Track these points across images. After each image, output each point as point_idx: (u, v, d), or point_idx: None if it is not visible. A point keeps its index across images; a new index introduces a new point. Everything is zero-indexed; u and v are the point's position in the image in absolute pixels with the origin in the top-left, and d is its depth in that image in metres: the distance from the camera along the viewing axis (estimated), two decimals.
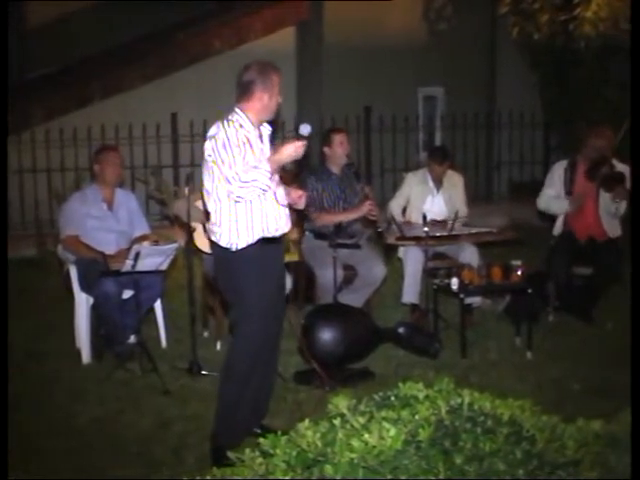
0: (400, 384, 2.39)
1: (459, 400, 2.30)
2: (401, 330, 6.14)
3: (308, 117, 10.87)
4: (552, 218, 7.23)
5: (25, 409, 5.05)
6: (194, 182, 5.80)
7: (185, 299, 6.20)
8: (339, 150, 6.52)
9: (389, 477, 2.07)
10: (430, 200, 7.01)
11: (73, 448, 4.62)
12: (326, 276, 6.09)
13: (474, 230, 6.84)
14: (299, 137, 4.45)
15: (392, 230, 6.69)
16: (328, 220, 6.48)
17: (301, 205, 4.70)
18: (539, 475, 2.12)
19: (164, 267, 5.78)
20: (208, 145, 4.39)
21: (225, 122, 4.38)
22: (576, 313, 6.83)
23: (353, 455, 2.08)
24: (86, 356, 6.01)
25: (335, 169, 6.61)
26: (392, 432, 2.11)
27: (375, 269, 6.38)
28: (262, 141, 4.53)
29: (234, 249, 4.39)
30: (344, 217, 6.43)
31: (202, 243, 5.85)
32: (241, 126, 4.38)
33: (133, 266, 5.56)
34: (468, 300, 6.45)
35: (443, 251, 6.89)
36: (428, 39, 12.22)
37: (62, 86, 11.03)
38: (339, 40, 11.47)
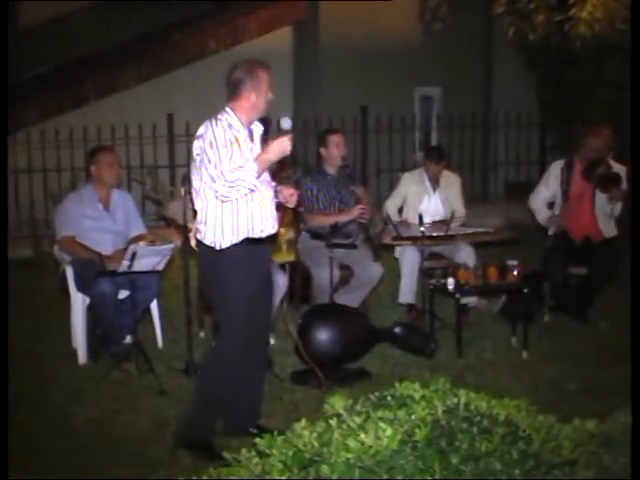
0: (396, 384, 2.39)
1: (455, 400, 2.30)
2: (397, 330, 6.14)
3: (305, 117, 10.88)
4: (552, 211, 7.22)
5: (21, 409, 5.04)
6: (190, 182, 5.79)
7: (181, 299, 6.20)
8: (335, 151, 6.52)
9: (385, 477, 2.07)
10: (427, 200, 7.01)
11: (70, 448, 4.62)
12: (322, 276, 6.09)
13: (470, 230, 6.84)
14: (282, 132, 4.43)
15: (388, 230, 6.70)
16: (319, 221, 6.51)
17: (292, 203, 4.67)
18: (535, 475, 2.12)
19: (160, 267, 5.77)
20: (196, 144, 4.40)
21: (213, 121, 4.38)
22: (572, 313, 6.84)
23: (349, 455, 2.08)
24: (82, 356, 6.00)
25: (331, 170, 6.61)
26: (388, 432, 2.11)
27: (371, 269, 6.39)
28: (253, 140, 4.52)
29: (218, 248, 4.40)
30: (335, 219, 6.43)
31: None
32: (230, 126, 4.38)
33: (129, 266, 5.55)
34: (464, 300, 6.46)
35: (439, 251, 6.90)
36: (424, 39, 12.23)
37: (58, 86, 11.02)
38: (336, 40, 11.48)
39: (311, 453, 2.15)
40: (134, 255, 5.51)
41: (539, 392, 5.20)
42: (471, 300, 6.80)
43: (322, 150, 6.66)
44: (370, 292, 6.63)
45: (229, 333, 4.51)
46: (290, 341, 5.92)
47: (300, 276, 6.61)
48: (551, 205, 7.13)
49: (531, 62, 11.77)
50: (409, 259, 6.63)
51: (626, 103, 10.03)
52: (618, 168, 6.85)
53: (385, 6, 11.54)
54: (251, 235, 4.42)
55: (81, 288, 5.99)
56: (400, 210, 7.08)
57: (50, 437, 4.76)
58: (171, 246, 5.74)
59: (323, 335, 5.60)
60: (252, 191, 4.34)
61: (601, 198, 6.86)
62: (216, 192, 4.30)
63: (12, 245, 8.09)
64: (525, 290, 6.21)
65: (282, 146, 4.35)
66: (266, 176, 4.51)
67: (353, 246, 6.33)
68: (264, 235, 4.50)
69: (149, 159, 9.99)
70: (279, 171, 4.66)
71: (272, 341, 6.23)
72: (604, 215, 6.92)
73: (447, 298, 6.46)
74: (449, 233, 6.51)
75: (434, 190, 7.04)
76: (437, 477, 2.07)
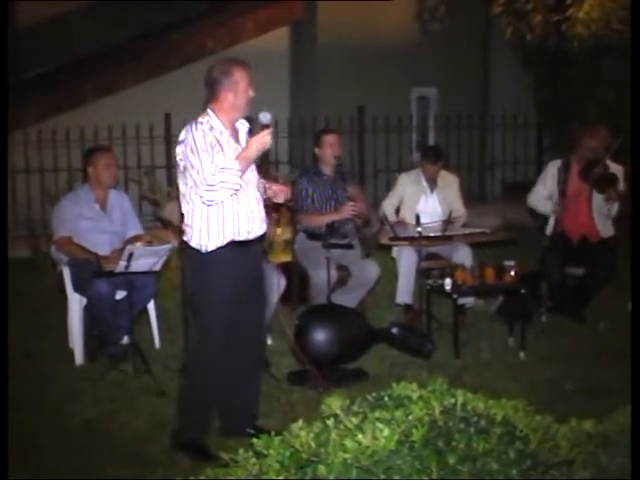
0: (393, 384, 2.39)
1: (452, 400, 2.30)
2: (394, 330, 6.14)
3: (302, 117, 10.89)
4: (544, 218, 7.24)
5: (19, 409, 5.03)
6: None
7: (178, 300, 6.19)
8: (329, 151, 6.51)
9: (382, 477, 2.07)
10: (424, 200, 7.01)
11: (67, 448, 4.61)
12: (319, 276, 6.09)
13: (467, 230, 6.85)
14: (262, 126, 4.39)
15: (385, 230, 6.70)
16: (311, 221, 6.52)
17: (281, 199, 4.65)
18: (532, 475, 2.12)
19: (157, 268, 5.77)
20: (179, 150, 4.39)
21: (194, 125, 4.36)
22: (569, 313, 6.84)
23: (346, 455, 2.08)
24: (79, 357, 6.00)
25: (327, 170, 6.61)
26: (385, 432, 2.11)
27: (369, 269, 6.39)
28: (238, 139, 4.50)
29: (204, 250, 4.40)
30: (327, 219, 6.43)
31: None
32: (211, 128, 4.36)
33: (126, 267, 5.55)
34: (461, 300, 6.46)
35: (437, 251, 6.90)
36: (422, 39, 12.24)
37: (55, 86, 11.02)
38: (333, 40, 11.48)
39: (308, 453, 2.15)
40: (131, 255, 5.50)
41: (536, 392, 5.20)
42: (468, 300, 6.80)
43: (317, 150, 6.66)
44: (367, 292, 6.63)
45: (210, 334, 4.52)
46: (287, 342, 5.92)
47: (297, 277, 6.60)
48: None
49: (528, 62, 11.78)
50: (406, 259, 6.63)
51: (623, 103, 10.06)
52: (615, 168, 6.86)
53: (382, 6, 11.54)
54: (237, 237, 4.41)
55: (78, 288, 5.98)
56: (397, 210, 7.08)
57: (47, 437, 4.75)
58: (168, 246, 5.74)
59: (320, 335, 5.59)
60: (237, 191, 4.33)
61: (598, 198, 6.87)
62: (201, 197, 4.30)
63: (9, 245, 8.07)
64: (522, 290, 6.22)
65: (262, 141, 4.33)
66: (253, 175, 4.49)
67: (350, 246, 6.33)
68: (251, 237, 4.48)
69: (146, 159, 9.99)
70: (261, 166, 4.60)
71: (269, 341, 6.23)
72: (601, 215, 6.93)
73: (444, 298, 6.46)
74: (446, 233, 6.52)
75: (431, 190, 7.04)
76: (434, 477, 2.08)
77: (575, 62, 10.99)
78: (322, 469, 2.08)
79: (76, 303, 6.04)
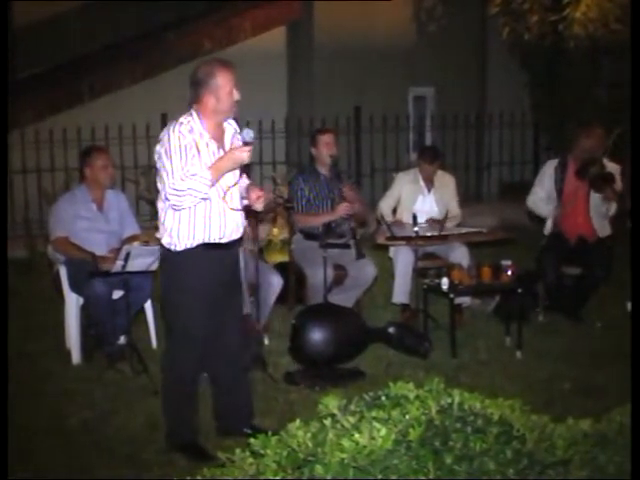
0: (390, 384, 2.39)
1: (449, 400, 2.31)
2: (391, 330, 6.15)
3: (299, 117, 10.88)
4: (542, 218, 7.25)
5: (15, 409, 5.02)
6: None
7: None
8: (325, 150, 6.51)
9: (379, 477, 2.07)
10: (421, 200, 7.02)
11: (64, 448, 4.61)
12: (316, 276, 6.09)
13: (464, 230, 6.86)
14: (244, 143, 4.32)
15: (382, 230, 6.70)
16: (305, 221, 6.54)
17: (259, 207, 4.56)
18: (529, 474, 2.12)
19: (154, 268, 5.75)
20: (156, 149, 4.38)
21: (173, 126, 4.32)
22: (566, 313, 6.85)
23: (344, 455, 2.09)
24: (76, 357, 6.00)
25: (323, 170, 6.62)
26: (382, 432, 2.12)
27: (365, 269, 6.39)
28: (223, 140, 4.43)
29: (173, 249, 4.39)
30: (320, 219, 6.44)
31: None
32: (190, 130, 4.31)
33: (123, 267, 5.55)
34: (458, 300, 6.46)
35: (433, 251, 6.90)
36: (418, 39, 12.24)
37: (52, 86, 11.01)
38: (330, 40, 11.48)
39: (305, 453, 2.15)
40: (128, 255, 5.50)
41: (533, 392, 5.20)
42: (465, 300, 6.81)
43: (313, 150, 6.67)
44: (364, 292, 6.63)
45: (178, 334, 4.54)
46: (284, 342, 5.93)
47: (294, 276, 6.61)
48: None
49: (525, 62, 11.78)
50: (403, 259, 6.63)
51: (620, 103, 10.08)
52: (612, 167, 6.86)
53: (380, 6, 11.54)
54: (208, 241, 4.38)
55: (75, 288, 5.98)
56: (394, 210, 7.09)
57: (44, 437, 4.75)
58: None
59: (317, 335, 5.60)
60: (204, 199, 4.28)
61: (595, 198, 6.87)
62: (168, 200, 4.28)
63: None
64: (519, 290, 6.22)
65: (240, 157, 4.27)
66: (233, 180, 4.40)
67: (347, 246, 6.33)
68: (224, 241, 4.44)
69: (143, 159, 9.97)
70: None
71: (266, 341, 6.24)
72: (598, 215, 6.93)
73: (441, 298, 6.46)
74: (443, 233, 6.52)
75: (428, 190, 7.05)
76: (431, 477, 2.08)
77: (572, 62, 10.98)
78: (319, 469, 2.08)
79: (73, 303, 6.04)
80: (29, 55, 11.62)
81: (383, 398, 2.37)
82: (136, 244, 5.99)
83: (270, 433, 2.23)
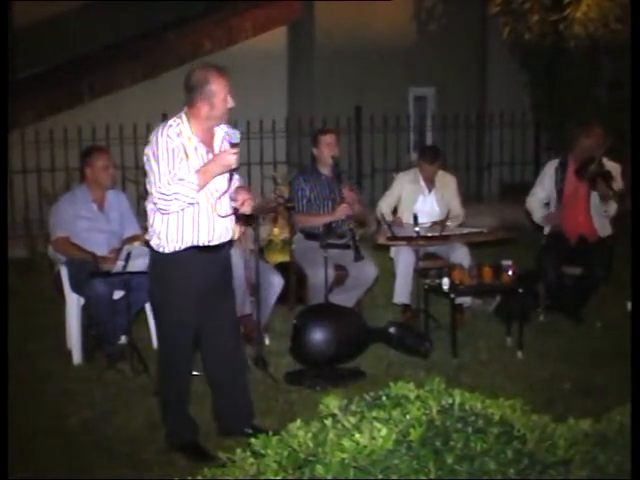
0: (391, 384, 2.39)
1: (450, 400, 2.30)
2: (392, 330, 6.15)
3: (299, 117, 10.88)
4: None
5: (15, 409, 5.02)
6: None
7: None
8: (326, 151, 6.52)
9: (380, 477, 2.07)
10: (421, 200, 7.01)
11: (64, 448, 4.61)
12: (317, 276, 6.09)
13: (465, 230, 6.85)
14: (231, 145, 4.30)
15: (383, 230, 6.69)
16: (305, 222, 6.54)
17: (247, 210, 4.49)
18: (530, 474, 2.12)
19: None
20: (145, 151, 4.35)
21: (161, 128, 4.29)
22: (566, 313, 6.84)
23: (344, 455, 2.08)
24: (77, 357, 6.00)
25: (324, 170, 6.62)
26: (383, 432, 2.11)
27: (366, 269, 6.39)
28: (212, 144, 4.40)
29: (161, 251, 4.38)
30: (320, 220, 6.44)
31: None
32: (179, 133, 4.27)
33: (124, 267, 5.55)
34: (459, 300, 6.46)
35: (434, 251, 6.90)
36: (419, 39, 12.24)
37: (52, 86, 11.01)
38: (331, 40, 11.48)
39: (306, 453, 2.15)
40: (129, 255, 5.50)
41: (534, 392, 5.20)
42: (466, 300, 6.81)
43: (314, 150, 6.67)
44: (365, 292, 6.63)
45: (165, 335, 4.58)
46: (285, 342, 5.92)
47: (295, 276, 6.61)
48: (547, 205, 7.14)
49: (526, 62, 11.78)
50: (404, 259, 6.63)
51: (620, 103, 10.08)
52: (611, 166, 6.85)
53: (380, 6, 11.55)
54: (197, 244, 4.37)
55: (76, 288, 5.98)
56: (395, 210, 7.08)
57: (44, 437, 4.75)
58: None
59: (318, 335, 5.60)
60: (191, 204, 4.26)
61: (596, 197, 6.87)
62: (155, 204, 4.27)
63: None
64: (520, 290, 6.22)
65: (227, 160, 4.24)
66: (224, 183, 4.37)
67: (347, 246, 6.33)
68: (213, 244, 4.43)
69: (143, 159, 9.97)
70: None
71: (267, 342, 6.24)
72: (599, 215, 6.93)
73: (442, 298, 6.47)
74: (443, 233, 6.52)
75: (429, 190, 7.04)
76: (432, 477, 2.08)
77: (573, 62, 10.99)
78: (320, 469, 2.08)
79: (74, 303, 6.04)
80: (29, 55, 11.62)
81: (384, 398, 2.37)
82: (137, 244, 5.98)
83: (271, 433, 2.23)
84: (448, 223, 6.75)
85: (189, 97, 4.33)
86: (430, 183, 7.04)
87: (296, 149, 10.78)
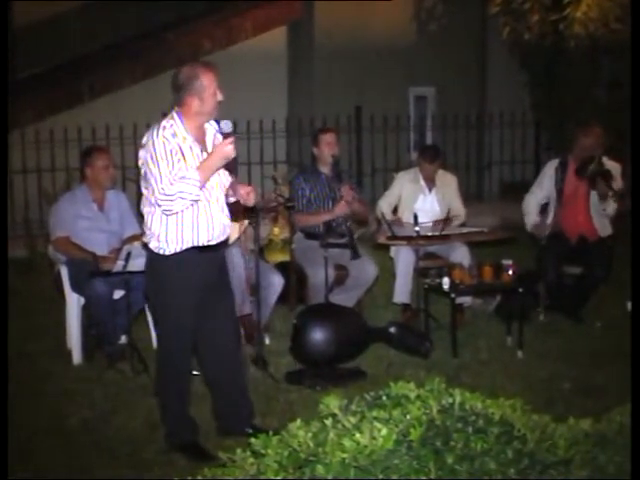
0: (391, 384, 2.39)
1: (450, 400, 2.30)
2: (392, 330, 6.14)
3: (299, 117, 10.88)
4: (541, 218, 7.23)
5: (15, 409, 5.02)
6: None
7: None
8: (326, 150, 6.52)
9: (380, 477, 2.07)
10: (422, 199, 7.01)
11: (64, 448, 4.61)
12: (317, 276, 6.09)
13: (465, 230, 6.85)
14: (224, 135, 4.31)
15: (383, 230, 6.69)
16: (304, 221, 6.54)
17: (250, 202, 4.55)
18: (530, 474, 2.12)
19: None
20: (140, 154, 4.35)
21: (156, 130, 4.29)
22: (566, 312, 6.84)
23: (344, 455, 2.08)
24: (77, 357, 5.99)
25: (324, 169, 6.62)
26: (383, 432, 2.11)
27: (366, 269, 6.39)
28: (204, 142, 4.41)
29: (162, 254, 4.37)
30: (319, 219, 6.45)
31: None
32: (174, 135, 4.27)
33: (124, 266, 5.55)
34: (459, 300, 6.46)
35: (434, 251, 6.90)
36: (419, 39, 12.24)
37: (52, 86, 11.01)
38: (330, 40, 11.49)
39: (306, 453, 2.15)
40: (129, 255, 5.50)
41: (534, 391, 5.20)
42: (466, 300, 6.80)
43: (314, 150, 6.67)
44: (365, 292, 6.63)
45: (165, 336, 4.57)
46: (285, 341, 5.92)
47: (295, 276, 6.61)
48: (545, 206, 7.13)
49: (525, 62, 11.79)
50: (404, 259, 6.63)
51: (620, 103, 10.08)
52: (611, 166, 6.85)
53: (380, 6, 11.55)
54: (197, 244, 4.37)
55: (76, 288, 5.98)
56: (395, 210, 7.08)
57: (44, 437, 4.75)
58: None
59: (318, 335, 5.59)
60: (195, 202, 4.27)
61: (595, 197, 6.86)
62: (159, 206, 4.26)
63: None
64: (520, 289, 6.22)
65: (224, 151, 4.25)
66: (219, 180, 4.40)
67: (347, 246, 6.32)
68: (212, 243, 4.43)
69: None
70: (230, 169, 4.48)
71: (267, 341, 6.24)
72: (599, 214, 6.92)
73: (442, 298, 6.46)
74: (444, 233, 6.51)
75: (429, 190, 7.04)
76: (432, 477, 2.08)
77: (572, 62, 11.00)
78: (320, 469, 2.08)
79: (74, 303, 6.04)
80: (29, 55, 11.62)
81: (384, 398, 2.36)
82: (137, 244, 5.97)
83: (271, 433, 2.23)
84: (454, 221, 6.75)
85: (178, 96, 4.34)
86: (430, 182, 7.04)
87: (296, 149, 10.78)
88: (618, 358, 5.62)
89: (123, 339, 5.90)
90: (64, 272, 6.04)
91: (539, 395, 5.08)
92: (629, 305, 6.51)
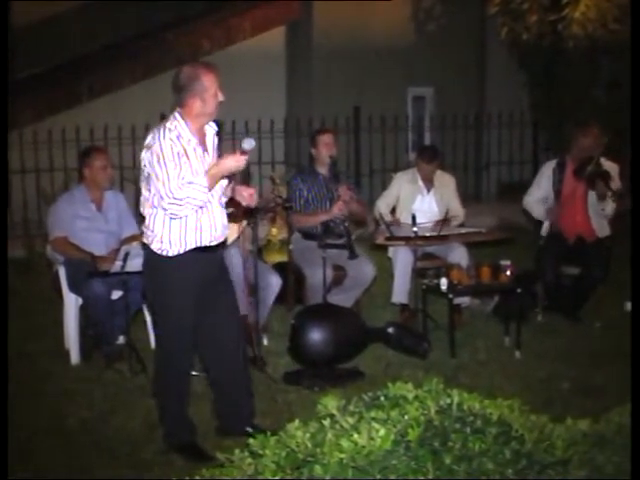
0: (389, 384, 2.39)
1: (448, 400, 2.30)
2: (390, 330, 6.15)
3: (298, 117, 10.88)
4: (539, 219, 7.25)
5: (13, 409, 5.02)
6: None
7: None
8: (324, 151, 6.52)
9: (378, 477, 2.07)
10: (420, 200, 7.01)
11: (62, 448, 4.61)
12: (315, 276, 6.09)
13: (463, 230, 6.85)
14: (242, 151, 4.32)
15: (381, 230, 6.69)
16: (301, 221, 6.54)
17: (253, 203, 4.55)
18: (528, 474, 2.12)
19: None
20: (144, 156, 4.31)
21: (161, 131, 4.27)
22: (564, 313, 6.85)
23: (342, 455, 2.08)
24: (75, 357, 5.99)
25: (322, 170, 6.62)
26: (381, 432, 2.12)
27: (365, 269, 6.39)
28: (205, 144, 4.41)
29: (164, 255, 4.36)
30: (316, 219, 6.45)
31: None
32: (179, 136, 4.26)
33: (122, 267, 5.55)
34: (457, 300, 6.46)
35: (432, 251, 6.90)
36: (417, 39, 12.24)
37: (51, 86, 11.01)
38: (329, 40, 11.49)
39: (304, 453, 2.15)
40: (127, 255, 5.50)
41: (532, 392, 5.20)
42: (464, 300, 6.81)
43: (312, 150, 6.68)
44: (363, 292, 6.63)
45: (165, 337, 4.57)
46: (283, 342, 5.92)
47: (293, 276, 6.61)
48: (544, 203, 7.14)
49: (524, 62, 11.79)
50: (402, 259, 6.63)
51: (618, 103, 10.09)
52: (609, 166, 6.86)
53: (378, 6, 11.55)
54: (200, 245, 4.37)
55: (74, 289, 5.98)
56: (393, 210, 7.08)
57: (43, 437, 4.75)
58: None
59: (316, 335, 5.60)
60: (202, 207, 4.28)
61: (594, 197, 6.87)
62: (165, 210, 4.24)
63: None
64: (518, 290, 6.22)
65: (237, 164, 4.26)
66: (219, 182, 4.41)
67: (345, 246, 6.32)
68: (213, 244, 4.44)
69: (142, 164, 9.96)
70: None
71: (265, 342, 6.24)
72: (597, 215, 6.93)
73: (440, 298, 6.46)
74: (442, 233, 6.51)
75: (428, 190, 7.04)
76: (430, 477, 2.08)
77: (571, 62, 11.00)
78: (318, 469, 2.08)
79: (72, 303, 6.04)
80: (28, 55, 11.61)
81: (382, 398, 2.37)
82: (135, 244, 5.98)
83: (269, 433, 2.23)
84: (454, 222, 6.75)
85: (179, 97, 4.33)
86: (429, 183, 7.04)
87: (294, 149, 10.78)
88: (616, 358, 5.63)
89: (121, 339, 5.90)
90: (62, 272, 6.04)
91: (537, 395, 5.08)
92: (627, 305, 6.53)
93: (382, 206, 7.01)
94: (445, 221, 6.58)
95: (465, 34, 12.36)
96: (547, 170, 7.12)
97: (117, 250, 5.71)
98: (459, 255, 6.65)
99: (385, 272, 6.98)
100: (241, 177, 4.47)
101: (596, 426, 2.32)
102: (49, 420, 5.01)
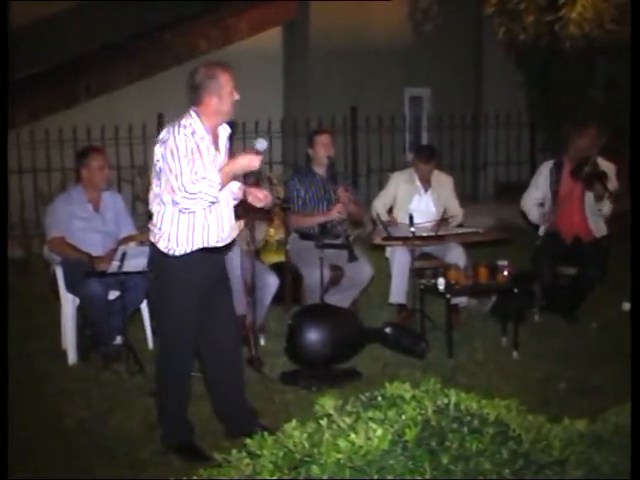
0: (387, 384, 2.40)
1: (445, 400, 2.31)
2: (388, 330, 6.15)
3: (295, 117, 10.88)
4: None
5: (12, 409, 5.01)
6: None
7: None
8: (322, 151, 6.52)
9: (376, 477, 2.07)
10: (417, 200, 7.01)
11: (60, 448, 4.61)
12: (313, 277, 6.09)
13: (460, 230, 6.85)
14: (256, 152, 4.35)
15: (378, 230, 6.69)
16: (299, 222, 6.54)
17: (268, 204, 4.62)
18: (525, 474, 2.13)
19: None
20: (157, 150, 4.33)
21: (176, 127, 4.29)
22: (562, 313, 6.85)
23: (340, 455, 2.09)
24: (72, 357, 5.99)
25: (319, 170, 6.62)
26: (379, 432, 2.12)
27: (362, 269, 6.39)
28: (218, 144, 4.44)
29: (171, 254, 4.37)
30: (314, 220, 6.46)
31: None
32: (193, 133, 4.29)
33: (119, 267, 5.55)
34: (455, 300, 6.46)
35: (430, 251, 6.90)
36: (415, 39, 12.24)
37: (48, 86, 10.99)
38: (326, 40, 11.48)
39: (301, 453, 2.15)
40: (124, 256, 5.50)
41: (529, 392, 5.21)
42: (462, 300, 6.81)
43: (310, 151, 6.68)
44: (361, 292, 6.63)
45: (168, 337, 4.57)
46: (281, 342, 5.92)
47: (290, 277, 6.61)
48: (541, 205, 7.15)
49: (521, 62, 11.80)
50: (400, 259, 6.63)
51: (616, 103, 10.10)
52: (606, 166, 6.87)
53: (376, 6, 11.55)
54: (207, 245, 4.39)
55: (71, 289, 5.98)
56: (390, 210, 7.08)
57: (40, 437, 4.75)
58: None
59: (313, 335, 5.60)
60: (213, 203, 4.29)
61: (591, 198, 6.88)
62: (177, 203, 4.24)
63: None
64: (515, 290, 6.23)
65: (250, 163, 4.30)
66: (235, 182, 4.46)
67: (343, 246, 6.32)
68: (220, 245, 4.46)
69: (139, 159, 9.96)
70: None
71: (262, 342, 6.24)
72: (594, 215, 6.94)
73: (438, 298, 6.46)
74: (439, 233, 6.51)
75: (425, 190, 7.04)
76: (427, 477, 2.08)
77: (568, 62, 11.01)
78: (315, 469, 2.08)
79: (69, 303, 6.03)
80: (26, 55, 11.60)
81: (379, 398, 2.37)
82: (132, 244, 6.00)
83: (266, 433, 2.23)
84: (452, 222, 6.75)
85: (195, 96, 4.36)
86: (426, 183, 7.04)
87: (292, 149, 10.78)
88: (613, 358, 5.64)
89: (118, 340, 5.90)
90: (59, 272, 6.03)
91: (534, 395, 5.08)
92: (625, 305, 6.54)
93: (379, 206, 7.01)
94: (443, 221, 6.58)
95: (462, 34, 12.36)
96: (544, 170, 7.13)
97: (114, 250, 5.71)
98: (457, 255, 6.65)
99: (382, 272, 6.97)
100: (254, 178, 4.49)
101: (593, 426, 2.33)
102: (47, 420, 5.01)
